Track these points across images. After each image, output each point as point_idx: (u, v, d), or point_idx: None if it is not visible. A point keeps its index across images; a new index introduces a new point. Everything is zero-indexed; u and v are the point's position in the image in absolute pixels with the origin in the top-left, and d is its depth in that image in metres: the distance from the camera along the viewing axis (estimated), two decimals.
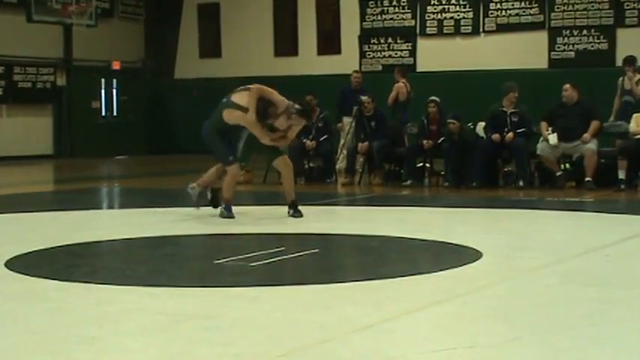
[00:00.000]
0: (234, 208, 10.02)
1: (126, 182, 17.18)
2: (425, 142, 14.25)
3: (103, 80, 25.06)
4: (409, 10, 23.01)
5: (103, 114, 25.16)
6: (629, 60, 15.62)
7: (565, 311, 5.34)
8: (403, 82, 16.42)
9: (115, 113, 25.38)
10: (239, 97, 10.02)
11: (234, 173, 10.03)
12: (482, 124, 14.56)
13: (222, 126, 9.97)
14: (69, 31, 23.45)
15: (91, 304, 5.60)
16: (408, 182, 14.33)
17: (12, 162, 21.34)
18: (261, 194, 14.11)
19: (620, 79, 15.58)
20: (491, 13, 22.22)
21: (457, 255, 7.46)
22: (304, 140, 15.13)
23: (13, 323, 5.11)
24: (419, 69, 22.56)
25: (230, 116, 9.91)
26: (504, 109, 14.06)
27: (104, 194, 15.13)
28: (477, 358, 4.26)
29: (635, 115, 13.63)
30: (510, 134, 13.75)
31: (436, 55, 22.54)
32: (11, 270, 6.76)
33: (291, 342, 4.55)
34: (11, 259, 7.16)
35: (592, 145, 13.47)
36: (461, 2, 22.45)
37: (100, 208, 12.87)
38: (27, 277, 6.54)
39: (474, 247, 7.58)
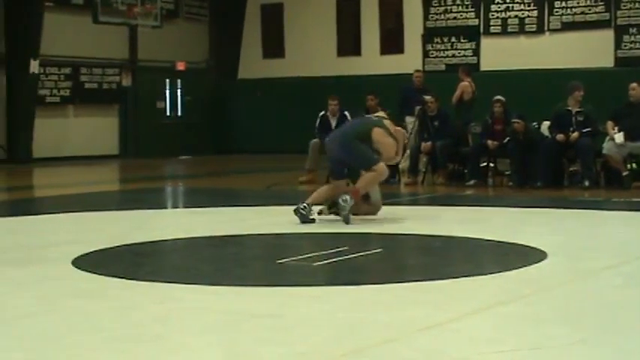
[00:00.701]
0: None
1: (190, 182, 17.31)
2: (490, 142, 14.17)
3: (167, 80, 25.27)
4: (473, 9, 22.90)
5: (168, 114, 25.36)
6: None
7: (630, 313, 5.28)
8: (468, 82, 16.33)
9: (179, 113, 25.57)
10: (390, 125, 10.06)
11: (383, 171, 9.91)
12: (546, 123, 14.44)
13: (363, 138, 9.90)
14: (134, 32, 23.68)
15: (156, 303, 5.65)
16: (472, 182, 14.25)
17: (78, 162, 21.61)
18: None
19: None
20: (556, 12, 22.03)
21: (522, 255, 7.40)
22: None
23: (80, 321, 5.18)
24: (482, 68, 22.44)
25: (381, 138, 9.88)
26: (569, 108, 13.94)
27: (168, 194, 15.26)
28: (541, 359, 4.23)
29: None
30: (575, 134, 13.62)
31: (500, 54, 22.41)
32: (78, 268, 6.84)
33: (354, 342, 4.55)
34: (78, 257, 7.25)
35: None
36: (525, 1, 22.30)
37: (165, 207, 12.97)
38: (93, 275, 6.62)
39: (539, 248, 7.52)
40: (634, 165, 13.76)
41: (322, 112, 15.69)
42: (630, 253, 7.55)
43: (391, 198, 12.70)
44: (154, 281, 6.36)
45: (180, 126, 25.09)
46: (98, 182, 16.60)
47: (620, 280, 6.38)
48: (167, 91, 25.36)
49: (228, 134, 25.41)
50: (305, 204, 9.68)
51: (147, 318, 5.21)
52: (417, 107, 15.36)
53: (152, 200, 13.03)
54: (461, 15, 23.06)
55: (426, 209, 11.25)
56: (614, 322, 5.03)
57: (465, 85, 16.32)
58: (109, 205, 12.28)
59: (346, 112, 15.47)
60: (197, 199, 13.68)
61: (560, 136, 13.64)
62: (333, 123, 15.40)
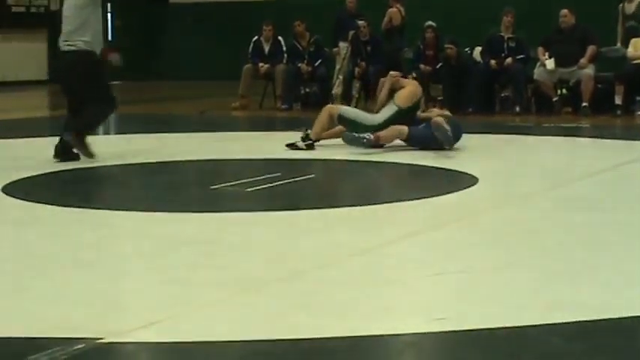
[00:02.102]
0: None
1: (121, 108, 17.14)
2: (422, 67, 14.20)
3: None
4: None
5: None
6: None
7: (559, 236, 5.38)
8: (397, 8, 16.27)
9: (109, 38, 25.22)
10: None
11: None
12: (479, 49, 14.50)
13: None
14: None
15: (89, 229, 5.63)
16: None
17: (6, 88, 21.25)
18: (257, 119, 14.11)
19: (621, 5, 15.45)
20: None
21: (453, 181, 7.49)
22: (299, 64, 15.08)
23: (11, 248, 5.15)
24: None
25: None
26: (502, 34, 14.01)
27: None
28: (471, 282, 4.31)
29: (633, 39, 13.58)
30: (509, 59, 13.71)
31: None
32: (8, 195, 6.78)
33: (288, 266, 4.59)
34: (8, 184, 7.17)
35: (589, 71, 13.44)
36: None
37: (96, 134, 12.84)
38: (24, 202, 6.56)
39: (470, 173, 7.60)
40: (564, 91, 13.90)
41: (255, 38, 15.58)
42: (560, 177, 7.67)
43: None
44: (86, 208, 6.33)
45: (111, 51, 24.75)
46: (27, 108, 16.37)
47: (549, 204, 6.48)
48: None
49: (160, 60, 25.13)
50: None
51: (80, 244, 5.20)
52: (351, 32, 15.31)
53: None
54: None
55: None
56: (543, 245, 5.13)
57: (394, 12, 16.24)
58: (39, 131, 12.13)
59: (280, 38, 15.39)
60: (129, 125, 13.57)
61: (492, 63, 13.73)
62: (267, 48, 15.33)
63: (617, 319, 3.70)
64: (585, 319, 3.68)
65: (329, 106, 10.60)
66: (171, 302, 3.96)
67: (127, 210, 6.23)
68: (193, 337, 3.50)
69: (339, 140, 9.53)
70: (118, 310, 3.87)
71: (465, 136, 9.61)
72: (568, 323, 3.64)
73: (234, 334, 3.53)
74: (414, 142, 9.36)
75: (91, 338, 3.42)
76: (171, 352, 3.41)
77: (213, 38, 23.78)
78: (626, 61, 13.49)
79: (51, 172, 7.94)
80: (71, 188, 7.48)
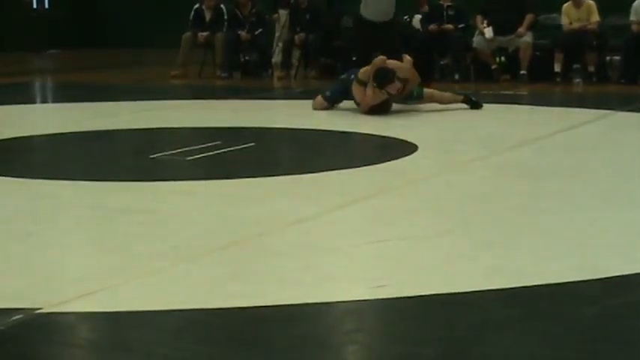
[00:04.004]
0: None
1: (59, 76, 16.95)
2: None
3: None
4: None
5: (35, 6, 24.64)
6: None
7: (498, 204, 5.42)
8: None
9: (46, 6, 24.87)
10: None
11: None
12: (418, 17, 14.54)
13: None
14: None
15: (26, 200, 5.57)
16: (344, 76, 14.27)
17: None
18: (197, 88, 14.03)
19: None
20: None
21: (392, 148, 7.51)
22: (239, 32, 15.00)
23: None
24: None
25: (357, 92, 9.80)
26: (441, 2, 14.06)
27: (36, 89, 14.93)
28: (409, 249, 4.32)
29: (564, 6, 13.68)
30: (450, 26, 13.78)
31: None
32: None
33: (226, 235, 4.57)
34: None
35: (527, 38, 13.54)
36: None
37: (32, 102, 12.70)
38: None
39: (409, 141, 7.62)
40: (503, 59, 14.00)
41: (197, 5, 15.47)
42: (499, 145, 7.72)
43: (264, 92, 12.69)
44: (23, 177, 6.25)
45: (48, 19, 24.43)
46: None
47: (488, 171, 6.53)
48: None
49: (99, 27, 24.87)
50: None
51: (17, 215, 5.13)
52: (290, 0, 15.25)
53: (18, 95, 12.73)
54: None
55: (298, 103, 11.26)
56: (482, 212, 5.16)
57: None
58: None
59: (222, 6, 15.28)
60: (67, 94, 13.43)
61: (432, 27, 13.81)
62: (208, 17, 15.21)
63: (554, 284, 3.74)
64: (522, 285, 3.71)
65: None
66: (109, 272, 3.93)
67: (63, 179, 6.17)
68: (131, 307, 3.48)
69: (282, 107, 9.52)
70: (55, 281, 3.84)
71: (404, 105, 9.65)
72: (506, 289, 3.68)
73: (172, 303, 3.51)
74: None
75: (29, 308, 3.39)
76: (109, 321, 3.39)
77: (154, 5, 23.57)
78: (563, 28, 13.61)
79: None
80: (6, 158, 7.38)
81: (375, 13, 11.26)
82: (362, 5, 11.34)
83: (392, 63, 9.62)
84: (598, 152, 7.39)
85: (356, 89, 9.62)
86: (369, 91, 9.45)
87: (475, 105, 9.96)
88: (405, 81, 9.52)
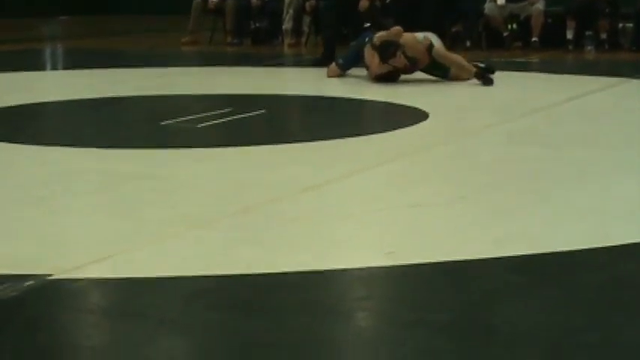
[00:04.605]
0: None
1: (70, 42, 16.93)
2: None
3: None
4: None
5: None
6: None
7: (510, 171, 5.41)
8: None
9: None
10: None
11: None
12: None
13: None
14: None
15: (38, 166, 5.58)
16: (355, 43, 14.22)
17: None
18: (207, 54, 14.01)
19: None
20: None
21: (404, 116, 7.49)
22: None
23: None
24: None
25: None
26: None
27: (46, 55, 14.92)
28: (421, 216, 4.32)
29: None
30: None
31: None
32: None
33: (238, 202, 4.58)
34: None
35: (539, 5, 13.47)
36: None
37: (43, 69, 12.70)
38: None
39: (421, 108, 7.61)
40: (514, 26, 13.94)
41: None
42: (511, 111, 7.70)
43: (275, 59, 12.66)
44: (35, 144, 6.26)
45: None
46: None
47: (500, 138, 6.51)
48: None
49: None
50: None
51: (29, 181, 5.15)
52: None
53: (29, 62, 12.72)
54: None
55: (309, 70, 11.23)
56: (494, 180, 5.16)
57: None
58: None
59: None
60: (77, 60, 13.41)
61: None
62: None
63: (565, 252, 3.74)
64: (533, 253, 3.72)
65: None
66: (121, 238, 3.94)
67: (75, 146, 6.17)
68: (143, 273, 3.49)
69: (293, 74, 9.50)
70: (67, 247, 3.85)
71: (415, 72, 9.61)
72: (517, 256, 3.68)
73: (184, 269, 3.52)
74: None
75: (40, 275, 3.40)
76: (119, 287, 3.40)
77: None
78: None
79: None
80: (17, 124, 7.39)
81: None
82: None
83: (406, 37, 9.54)
84: (610, 119, 7.37)
85: (368, 53, 9.57)
86: (375, 59, 9.42)
87: (487, 81, 9.51)
88: (413, 60, 9.41)
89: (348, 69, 10.05)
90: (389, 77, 9.49)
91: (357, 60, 9.86)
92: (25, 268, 3.49)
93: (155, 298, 3.25)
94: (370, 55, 9.54)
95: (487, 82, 9.44)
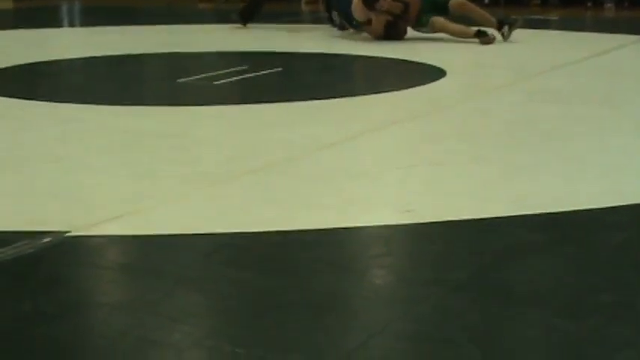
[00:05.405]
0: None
1: (86, 0, 16.89)
2: None
3: None
4: None
5: None
6: None
7: (528, 129, 5.38)
8: None
9: None
10: None
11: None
12: None
13: None
14: None
15: (56, 123, 5.58)
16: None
17: None
18: (223, 12, 13.95)
19: None
20: None
21: (421, 73, 7.46)
22: None
23: None
24: None
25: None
26: None
27: (64, 12, 14.89)
28: (438, 174, 4.31)
29: None
30: None
31: None
32: None
33: (256, 160, 4.57)
34: None
35: None
36: None
37: (60, 26, 12.68)
38: None
39: (438, 66, 7.57)
40: None
41: None
42: (529, 70, 7.66)
43: (291, 16, 12.61)
44: (52, 101, 6.27)
45: None
46: None
47: (518, 96, 6.48)
48: None
49: None
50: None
51: (47, 138, 5.15)
52: None
53: (47, 18, 12.71)
54: None
55: (326, 28, 11.18)
56: (512, 138, 5.14)
57: None
58: (2, 24, 11.94)
59: None
60: (93, 17, 13.39)
61: None
62: None
63: (582, 210, 3.73)
64: (551, 212, 3.70)
65: None
66: (137, 196, 3.94)
67: (92, 103, 6.17)
68: (160, 231, 3.49)
69: (309, 32, 9.48)
70: (84, 204, 3.85)
71: (418, 32, 9.57)
72: (534, 215, 3.67)
73: (201, 227, 3.53)
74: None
75: (57, 232, 3.41)
76: (137, 244, 3.41)
77: None
78: None
79: (14, 66, 7.83)
80: (35, 81, 7.40)
81: None
82: None
83: None
84: (630, 78, 7.32)
85: (357, 8, 9.54)
86: (362, 11, 9.40)
87: (486, 40, 9.42)
88: (405, 3, 9.37)
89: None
90: (393, 32, 9.40)
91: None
92: (42, 225, 3.50)
93: (172, 256, 3.25)
94: (359, 9, 9.47)
95: (486, 40, 9.29)
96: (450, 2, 9.69)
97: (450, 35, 9.55)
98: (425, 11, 9.56)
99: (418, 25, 9.65)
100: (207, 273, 3.09)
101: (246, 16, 10.94)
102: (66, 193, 4.01)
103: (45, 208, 3.79)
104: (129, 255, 3.36)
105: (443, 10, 9.66)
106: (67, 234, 3.40)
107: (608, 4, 13.33)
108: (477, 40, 9.38)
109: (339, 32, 10.36)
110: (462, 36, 9.52)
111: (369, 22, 9.48)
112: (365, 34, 9.79)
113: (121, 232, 3.49)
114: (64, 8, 15.37)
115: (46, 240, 3.34)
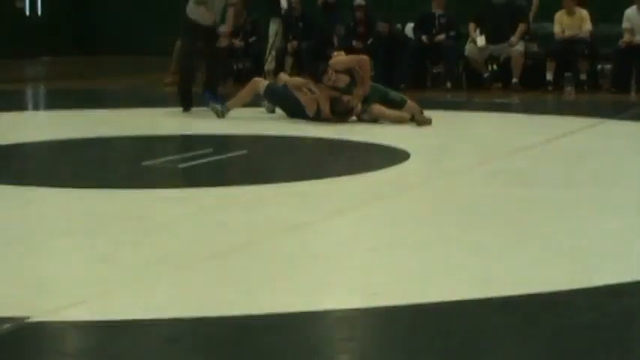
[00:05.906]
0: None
1: (53, 83, 16.91)
2: (354, 43, 14.19)
3: None
4: None
5: (27, 14, 24.58)
6: None
7: (491, 211, 5.41)
8: None
9: (39, 13, 24.82)
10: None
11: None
12: (411, 25, 14.55)
13: None
14: None
15: (17, 206, 5.54)
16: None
17: None
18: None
19: None
20: None
21: (385, 156, 7.49)
22: (233, 40, 14.97)
23: None
24: None
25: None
26: (433, 11, 14.07)
27: (29, 96, 14.89)
28: (403, 257, 4.31)
29: (556, 14, 13.69)
30: (441, 36, 13.79)
31: None
32: None
33: (219, 243, 4.56)
34: None
35: (519, 47, 13.54)
36: None
37: (26, 109, 12.67)
38: None
39: (402, 149, 7.61)
40: (494, 67, 14.00)
41: None
42: (491, 152, 7.71)
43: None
44: (15, 184, 6.23)
45: (41, 26, 24.36)
46: None
47: (481, 179, 6.52)
48: None
49: (91, 34, 24.81)
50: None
51: (8, 221, 5.11)
52: (284, 8, 15.23)
53: (13, 102, 12.68)
54: None
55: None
56: (475, 220, 5.15)
57: None
58: None
59: None
60: (60, 101, 13.39)
61: (424, 38, 13.82)
62: None
63: (548, 293, 3.73)
64: (517, 294, 3.70)
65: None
66: (100, 280, 3.91)
67: (56, 186, 6.14)
68: (122, 316, 3.45)
69: (276, 115, 9.57)
70: (46, 289, 3.81)
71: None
72: (500, 298, 3.66)
73: (164, 312, 3.49)
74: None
75: (18, 317, 3.36)
76: (100, 330, 3.37)
77: (147, 12, 23.53)
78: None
79: None
80: (1, 164, 7.36)
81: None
82: None
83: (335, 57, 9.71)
84: (590, 160, 7.39)
85: (300, 94, 9.65)
86: (318, 93, 9.50)
87: (421, 122, 9.25)
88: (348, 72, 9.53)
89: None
90: (340, 111, 9.48)
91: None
92: (2, 311, 3.45)
93: (134, 342, 3.21)
94: (303, 95, 9.63)
95: (421, 122, 9.24)
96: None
97: (389, 122, 9.46)
98: (369, 101, 9.57)
99: (362, 112, 9.67)
100: (169, 359, 3.05)
101: (187, 101, 10.93)
102: (27, 278, 3.96)
103: (4, 292, 3.74)
104: (90, 341, 3.32)
105: (397, 106, 9.63)
106: (28, 320, 3.35)
107: (568, 88, 13.49)
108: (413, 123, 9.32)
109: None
110: (399, 122, 9.44)
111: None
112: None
113: (83, 318, 3.45)
114: (29, 92, 15.38)
115: (6, 326, 3.29)
